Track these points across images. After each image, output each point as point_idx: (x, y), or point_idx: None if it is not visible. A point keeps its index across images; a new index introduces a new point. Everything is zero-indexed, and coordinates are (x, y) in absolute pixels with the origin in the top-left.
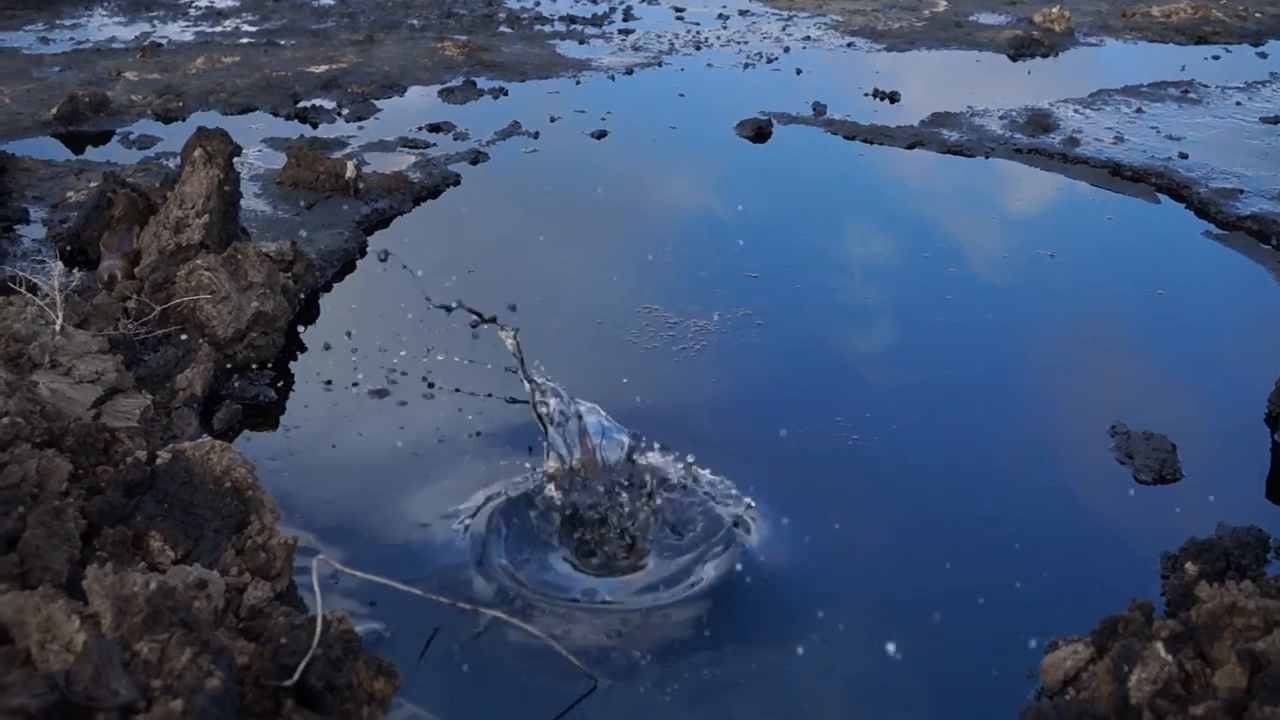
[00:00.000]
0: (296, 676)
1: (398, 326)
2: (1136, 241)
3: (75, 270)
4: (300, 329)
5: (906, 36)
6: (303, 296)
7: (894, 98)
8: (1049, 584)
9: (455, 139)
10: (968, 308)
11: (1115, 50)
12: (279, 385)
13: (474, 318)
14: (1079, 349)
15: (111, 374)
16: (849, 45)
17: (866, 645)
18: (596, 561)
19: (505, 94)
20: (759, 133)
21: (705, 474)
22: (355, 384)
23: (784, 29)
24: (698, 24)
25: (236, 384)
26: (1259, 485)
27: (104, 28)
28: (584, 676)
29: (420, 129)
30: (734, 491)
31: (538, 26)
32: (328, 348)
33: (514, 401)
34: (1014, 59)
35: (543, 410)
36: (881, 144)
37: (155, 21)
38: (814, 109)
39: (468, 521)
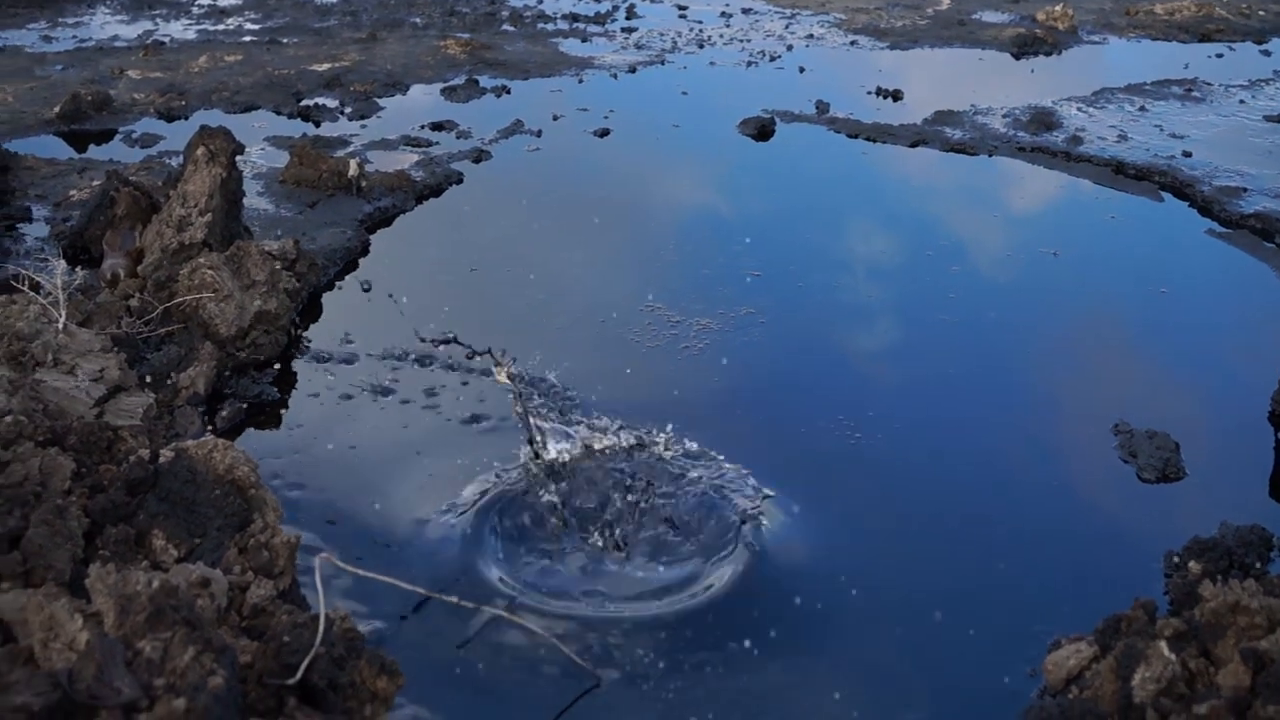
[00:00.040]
0: (299, 675)
1: (400, 325)
2: (1140, 240)
3: (78, 269)
4: (301, 327)
5: (910, 34)
6: (305, 295)
7: (897, 96)
8: (1052, 582)
9: (458, 137)
10: (971, 306)
11: (1119, 48)
12: (281, 384)
13: (468, 350)
14: (1082, 347)
15: (114, 372)
16: (852, 43)
17: (869, 643)
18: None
19: (508, 92)
20: (762, 131)
21: (703, 475)
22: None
23: (787, 27)
24: (701, 22)
25: (239, 382)
26: (1262, 484)
27: (106, 26)
28: (587, 674)
29: (423, 127)
30: (737, 490)
31: (540, 24)
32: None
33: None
34: (1017, 57)
35: (540, 450)
36: (884, 142)
37: (158, 20)
38: (817, 107)
39: (470, 519)
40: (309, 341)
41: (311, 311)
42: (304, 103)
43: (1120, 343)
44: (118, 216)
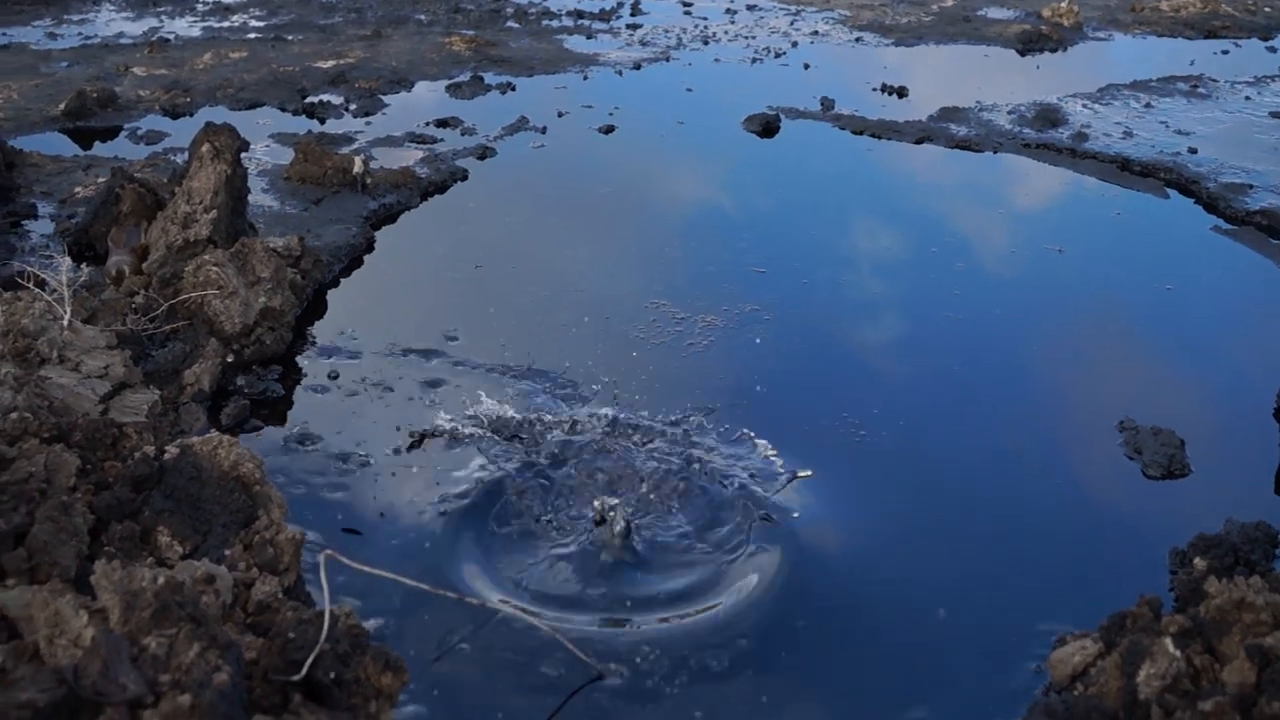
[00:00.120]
0: (304, 671)
1: (404, 323)
2: (1145, 236)
3: (83, 265)
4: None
5: (915, 31)
6: (310, 292)
7: (902, 92)
8: (1057, 579)
9: (463, 134)
10: (976, 303)
11: (1124, 45)
12: (286, 380)
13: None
14: (1087, 344)
15: (119, 369)
16: (857, 40)
17: (873, 640)
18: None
19: (513, 89)
20: (767, 127)
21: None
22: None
23: (792, 24)
24: (705, 19)
25: (244, 379)
26: (1268, 480)
27: (112, 23)
28: (591, 668)
29: (428, 124)
30: (741, 488)
31: (545, 21)
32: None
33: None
34: (1022, 54)
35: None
36: (889, 139)
37: (163, 17)
38: (822, 104)
39: (473, 517)
40: (314, 338)
41: (316, 308)
42: (309, 100)
43: (1125, 339)
44: (123, 213)
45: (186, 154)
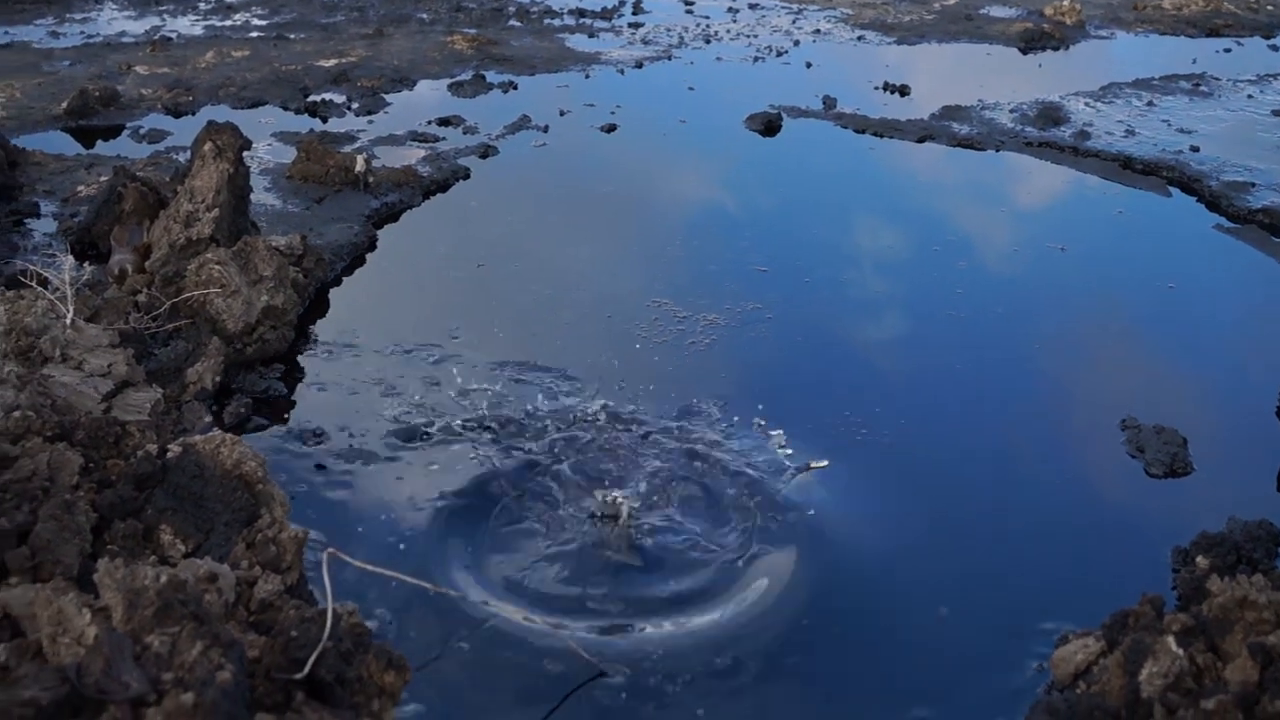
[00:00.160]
0: (307, 670)
1: (406, 321)
2: (1147, 235)
3: (86, 264)
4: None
5: (917, 30)
6: (313, 290)
7: (904, 91)
8: (1059, 577)
9: (465, 133)
10: (978, 301)
11: (1126, 43)
12: (289, 379)
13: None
14: (1090, 343)
15: (122, 367)
16: (859, 38)
17: (874, 638)
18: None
19: (515, 88)
20: (769, 126)
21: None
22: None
23: (794, 22)
24: (707, 17)
25: (247, 377)
26: (1270, 479)
27: (114, 22)
28: (593, 666)
29: (430, 123)
30: (747, 483)
31: (547, 20)
32: None
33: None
34: (1024, 52)
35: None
36: (892, 137)
37: (165, 15)
38: (824, 102)
39: (476, 515)
40: (316, 336)
41: (319, 307)
42: (311, 98)
43: (1128, 338)
44: (125, 212)
45: (189, 153)
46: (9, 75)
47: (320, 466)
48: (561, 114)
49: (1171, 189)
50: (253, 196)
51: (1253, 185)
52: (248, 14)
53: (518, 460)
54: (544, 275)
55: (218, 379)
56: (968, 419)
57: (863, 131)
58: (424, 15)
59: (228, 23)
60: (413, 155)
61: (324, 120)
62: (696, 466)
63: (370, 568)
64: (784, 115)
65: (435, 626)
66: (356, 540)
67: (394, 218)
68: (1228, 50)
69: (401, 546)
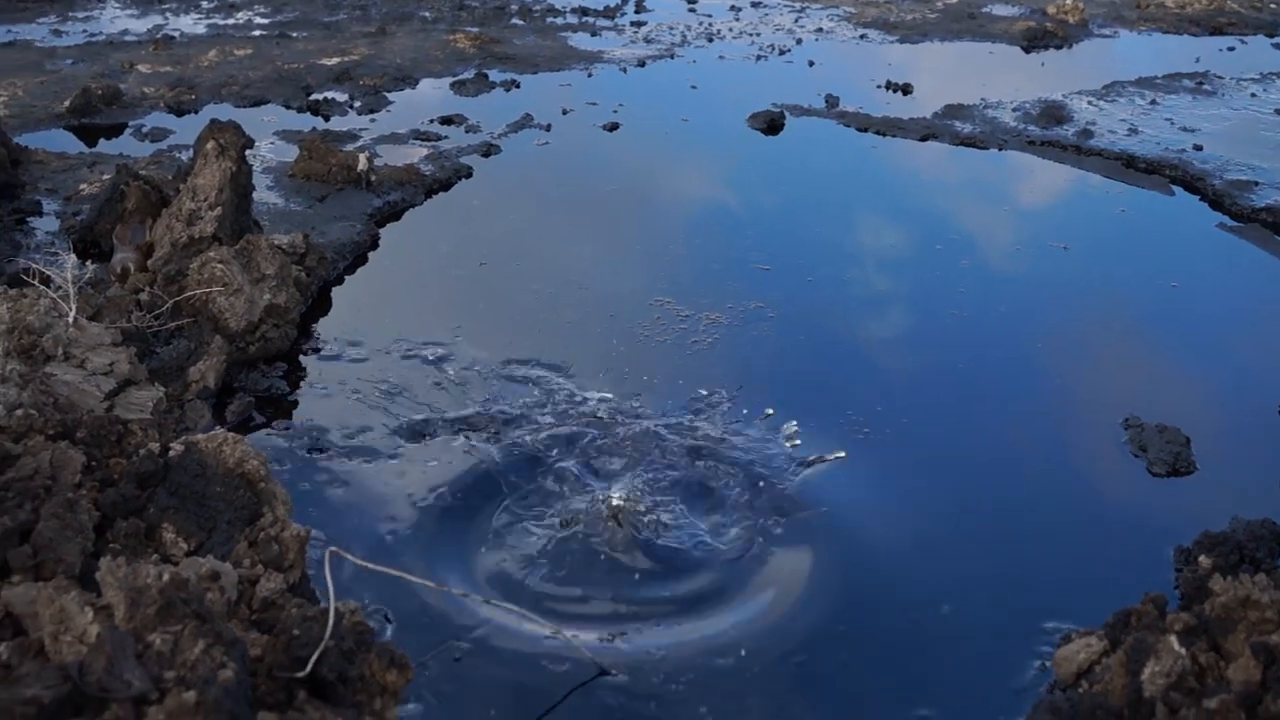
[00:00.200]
0: (309, 668)
1: (408, 320)
2: (1150, 234)
3: (88, 263)
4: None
5: (919, 28)
6: (315, 289)
7: (907, 90)
8: (1062, 576)
9: (467, 131)
10: (980, 300)
11: (1129, 42)
12: (291, 377)
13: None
14: (1092, 342)
15: (124, 366)
16: (862, 37)
17: (876, 636)
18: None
19: (517, 86)
20: (771, 125)
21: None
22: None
23: (796, 21)
24: (710, 16)
25: (249, 376)
26: (1273, 478)
27: (116, 20)
28: (595, 665)
29: (432, 121)
30: (751, 487)
31: (549, 19)
32: None
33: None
34: (1027, 50)
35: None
36: (894, 136)
37: (167, 14)
38: (826, 101)
39: (478, 514)
40: (319, 335)
41: (321, 305)
42: (313, 97)
43: (1131, 337)
44: (128, 210)
45: (191, 151)
46: (12, 73)
47: (322, 465)
48: (564, 112)
49: (1174, 188)
50: (255, 195)
51: (1256, 184)
52: (250, 12)
53: (520, 458)
54: (546, 274)
55: (220, 378)
56: (970, 418)
57: (865, 130)
58: (426, 13)
59: (230, 21)
60: (415, 154)
61: (326, 119)
62: (700, 463)
63: (372, 566)
64: (786, 114)
65: (437, 625)
66: (358, 539)
67: (396, 216)
68: (1231, 49)
69: (403, 545)
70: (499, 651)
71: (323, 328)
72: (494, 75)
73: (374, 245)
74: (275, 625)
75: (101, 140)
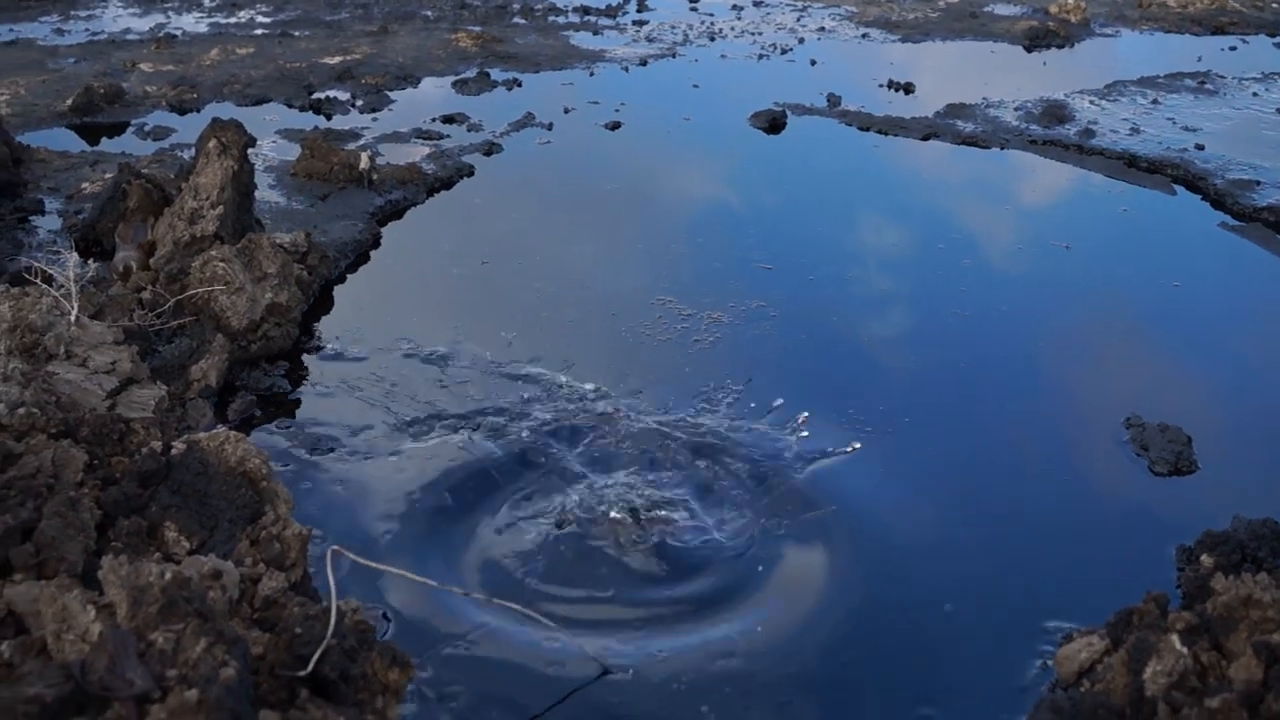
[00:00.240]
0: (311, 667)
1: (410, 318)
2: (1152, 233)
3: (90, 261)
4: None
5: (921, 27)
6: (317, 288)
7: (909, 89)
8: (1063, 576)
9: (469, 130)
10: (982, 299)
11: (1131, 41)
12: (293, 376)
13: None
14: (1094, 341)
15: (126, 365)
16: (863, 36)
17: (878, 636)
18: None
19: (519, 85)
20: (773, 124)
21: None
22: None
23: (798, 20)
24: (712, 15)
25: (251, 375)
26: (1275, 478)
27: (119, 19)
28: (596, 667)
29: (434, 120)
30: (752, 487)
31: (551, 18)
32: None
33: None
34: (1029, 50)
35: None
36: (896, 135)
37: (170, 13)
38: (828, 100)
39: (480, 511)
40: (320, 334)
41: (323, 304)
42: (315, 95)
43: (1132, 336)
44: (130, 209)
45: (193, 150)
46: (14, 72)
47: (324, 464)
48: (566, 111)
49: (1176, 187)
50: (257, 194)
51: (1258, 183)
52: (252, 11)
53: (522, 457)
54: (548, 273)
55: (222, 376)
56: (971, 417)
57: (867, 129)
58: (428, 12)
59: (232, 20)
60: (417, 152)
61: (328, 117)
62: (702, 460)
63: (374, 565)
64: (788, 113)
65: (438, 624)
66: (360, 537)
67: (398, 215)
68: (1233, 48)
69: (405, 544)
70: (500, 650)
71: (325, 326)
72: (496, 74)
73: (376, 244)
74: (277, 624)
75: (103, 139)
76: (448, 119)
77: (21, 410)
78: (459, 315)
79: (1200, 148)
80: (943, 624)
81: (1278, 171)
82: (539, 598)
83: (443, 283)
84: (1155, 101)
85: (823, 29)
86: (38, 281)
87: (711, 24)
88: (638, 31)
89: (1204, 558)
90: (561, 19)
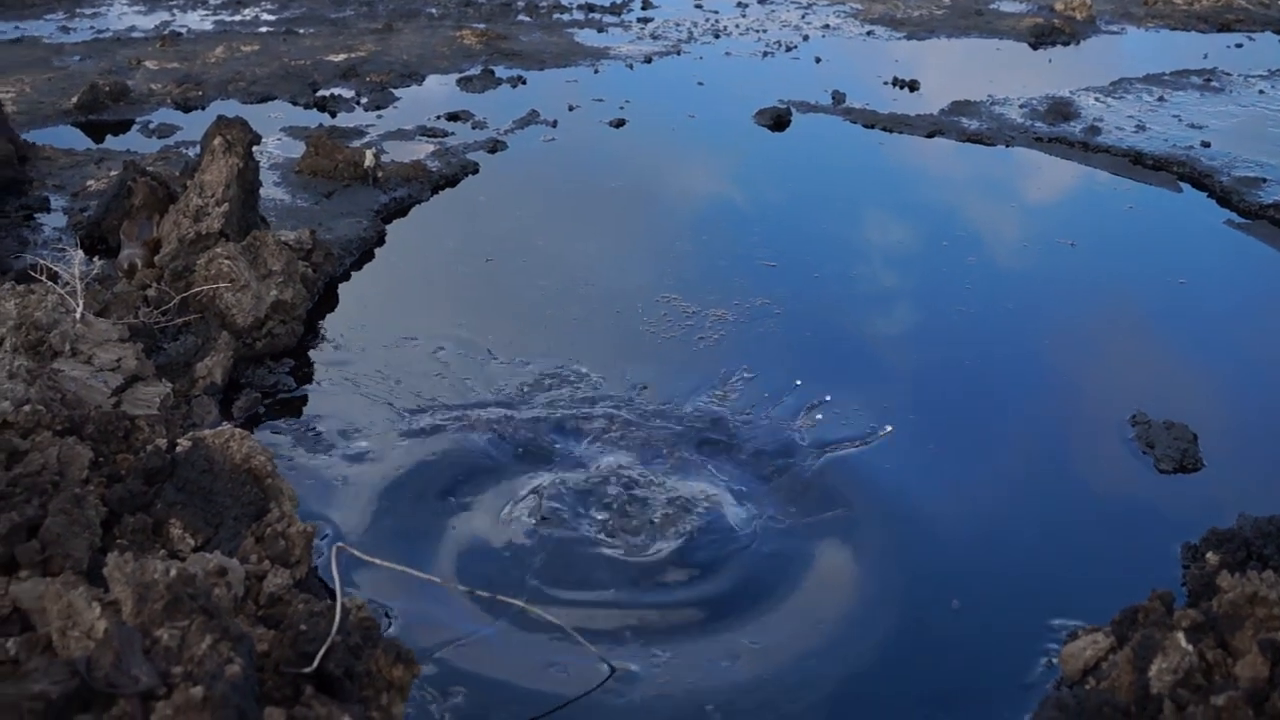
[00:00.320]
0: (316, 664)
1: (415, 316)
2: (1158, 230)
3: (95, 258)
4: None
5: (926, 24)
6: (321, 285)
7: (913, 86)
8: (1069, 573)
9: (474, 128)
10: (987, 296)
11: (1137, 38)
12: (298, 373)
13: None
14: (1099, 338)
15: (131, 362)
16: (868, 33)
17: (883, 633)
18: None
19: (524, 83)
20: (778, 121)
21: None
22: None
23: (803, 17)
24: (716, 12)
25: (256, 372)
26: None
27: (124, 17)
28: (600, 665)
29: (439, 118)
30: (753, 488)
31: (556, 15)
32: None
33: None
34: (1035, 47)
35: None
36: (901, 132)
37: (175, 10)
38: (833, 97)
39: (485, 509)
40: (325, 331)
41: (328, 301)
42: (320, 93)
43: (1138, 333)
44: (135, 206)
45: (198, 147)
46: (19, 70)
47: (329, 461)
48: (570, 109)
49: (1182, 184)
50: (262, 191)
51: (1264, 181)
52: (257, 9)
53: (527, 454)
54: (552, 270)
55: (227, 373)
56: (977, 414)
57: (872, 126)
58: (433, 10)
59: (237, 18)
60: (422, 150)
61: (333, 115)
62: (707, 454)
63: (379, 562)
64: (793, 110)
65: (442, 621)
66: (365, 535)
67: (403, 212)
68: (1239, 45)
69: (410, 541)
70: (504, 648)
71: (329, 324)
72: (500, 71)
73: (381, 241)
74: (282, 621)
75: (109, 136)
76: (452, 116)
77: (27, 407)
78: (464, 312)
79: (1206, 145)
80: (948, 621)
81: None
82: (542, 596)
83: (448, 280)
84: (1161, 99)
85: (827, 26)
86: (43, 279)
87: (716, 21)
88: (642, 29)
89: (1209, 555)
90: (566, 16)
